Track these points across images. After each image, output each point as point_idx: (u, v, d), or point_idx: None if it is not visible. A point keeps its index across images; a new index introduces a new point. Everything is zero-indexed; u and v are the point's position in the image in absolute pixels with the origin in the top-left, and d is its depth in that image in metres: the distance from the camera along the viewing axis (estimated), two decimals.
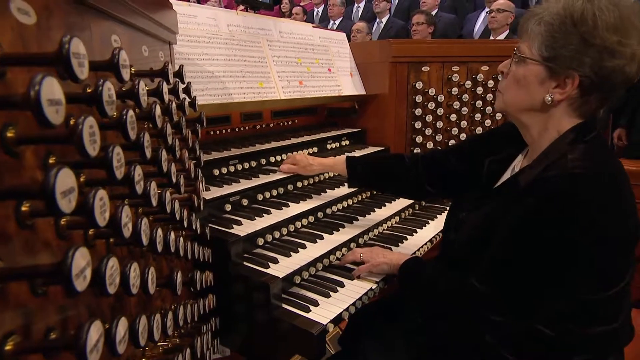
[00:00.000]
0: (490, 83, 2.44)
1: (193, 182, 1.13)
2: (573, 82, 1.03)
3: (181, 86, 1.02)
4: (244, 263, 1.40)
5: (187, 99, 1.10)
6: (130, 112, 0.57)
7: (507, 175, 1.31)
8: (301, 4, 7.80)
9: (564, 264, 0.99)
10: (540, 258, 1.01)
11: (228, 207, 1.58)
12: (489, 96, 2.44)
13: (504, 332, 1.13)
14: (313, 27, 2.39)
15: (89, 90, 0.54)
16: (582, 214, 0.95)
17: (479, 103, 2.43)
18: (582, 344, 1.10)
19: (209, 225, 1.46)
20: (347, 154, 2.19)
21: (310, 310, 1.29)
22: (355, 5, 6.79)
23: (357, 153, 2.24)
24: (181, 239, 0.86)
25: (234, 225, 1.46)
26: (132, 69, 0.83)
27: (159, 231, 0.69)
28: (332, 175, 2.04)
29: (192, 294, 1.16)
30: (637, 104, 3.61)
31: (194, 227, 1.07)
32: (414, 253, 1.71)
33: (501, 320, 1.08)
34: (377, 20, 6.01)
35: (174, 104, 0.90)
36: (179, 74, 1.04)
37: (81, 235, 0.58)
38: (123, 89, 0.70)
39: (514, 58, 1.14)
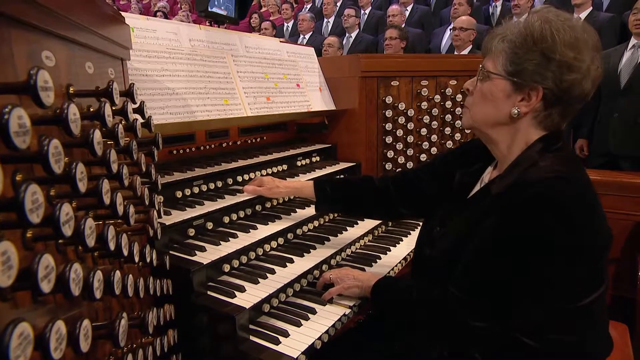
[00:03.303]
0: (459, 97, 2.44)
1: (148, 209, 1.03)
2: (537, 95, 1.09)
3: (132, 106, 0.94)
4: (208, 293, 1.30)
5: (140, 120, 1.02)
6: (54, 142, 0.49)
7: (478, 187, 1.32)
8: (270, 18, 7.78)
9: (540, 266, 1.01)
10: (518, 260, 1.02)
11: (191, 232, 1.48)
12: (458, 110, 2.45)
13: (484, 343, 1.12)
14: (281, 41, 2.33)
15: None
16: (562, 215, 0.98)
17: (448, 117, 2.44)
18: (563, 356, 1.09)
19: (170, 252, 1.36)
20: (317, 170, 2.14)
21: (280, 342, 1.21)
22: (325, 20, 6.82)
23: (328, 169, 2.19)
24: (130, 277, 0.77)
25: (197, 252, 1.36)
26: (71, 89, 0.75)
27: (98, 275, 0.60)
28: None
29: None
30: (596, 115, 3.75)
31: (148, 260, 0.98)
32: (388, 272, 1.66)
33: (480, 326, 1.07)
34: (347, 35, 6.04)
35: (121, 127, 0.81)
36: (129, 93, 0.95)
37: None
38: (57, 111, 0.61)
39: (480, 75, 1.19)
